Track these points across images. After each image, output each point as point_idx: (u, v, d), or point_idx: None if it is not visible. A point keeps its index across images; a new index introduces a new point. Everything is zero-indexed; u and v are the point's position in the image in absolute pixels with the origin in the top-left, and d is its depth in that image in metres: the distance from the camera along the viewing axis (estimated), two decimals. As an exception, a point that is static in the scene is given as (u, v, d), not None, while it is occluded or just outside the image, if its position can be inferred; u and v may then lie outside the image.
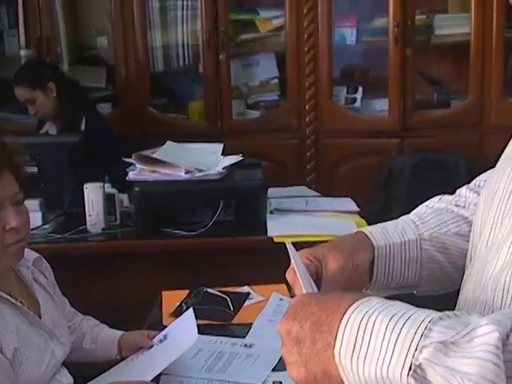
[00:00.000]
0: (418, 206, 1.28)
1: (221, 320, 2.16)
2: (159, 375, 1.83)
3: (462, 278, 1.08)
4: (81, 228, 2.80)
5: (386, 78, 3.96)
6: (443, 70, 4.26)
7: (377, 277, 1.14)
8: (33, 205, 2.66)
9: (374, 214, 3.63)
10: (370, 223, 2.79)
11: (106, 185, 2.83)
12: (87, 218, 2.78)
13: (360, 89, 4.10)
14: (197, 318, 1.96)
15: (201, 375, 1.85)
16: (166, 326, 2.07)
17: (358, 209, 2.96)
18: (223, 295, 2.28)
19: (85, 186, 2.76)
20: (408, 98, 3.95)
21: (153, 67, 4.13)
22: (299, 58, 3.95)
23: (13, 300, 1.77)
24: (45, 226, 2.79)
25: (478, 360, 0.70)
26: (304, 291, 0.95)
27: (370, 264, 1.13)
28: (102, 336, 2.08)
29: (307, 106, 3.99)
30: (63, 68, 4.08)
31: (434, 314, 0.77)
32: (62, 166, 2.87)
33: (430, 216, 1.19)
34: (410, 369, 0.73)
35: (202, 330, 1.92)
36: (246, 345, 2.01)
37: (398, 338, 0.75)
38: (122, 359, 2.02)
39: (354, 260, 1.10)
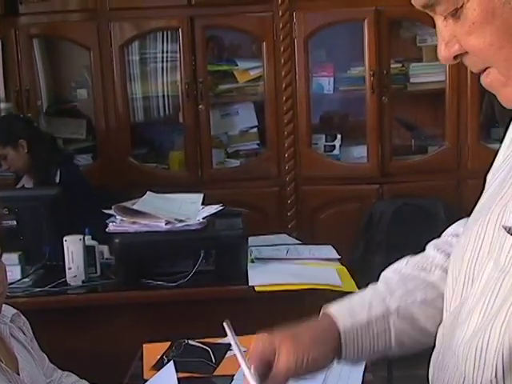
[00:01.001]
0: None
1: (203, 372, 2.14)
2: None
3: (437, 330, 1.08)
4: (61, 281, 2.77)
5: (364, 124, 4.02)
6: (420, 116, 4.32)
7: (346, 356, 1.13)
8: (11, 259, 2.64)
9: (355, 260, 3.65)
10: (350, 269, 2.80)
11: (86, 237, 2.82)
12: (67, 270, 2.76)
13: (338, 136, 4.14)
14: (178, 370, 1.95)
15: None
16: (146, 380, 2.05)
17: (338, 256, 2.97)
18: (205, 347, 2.27)
19: (64, 239, 2.75)
20: (386, 145, 4.00)
21: (133, 118, 4.16)
22: (278, 107, 4.00)
23: None
24: (24, 280, 2.77)
25: None
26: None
27: (332, 350, 1.11)
28: None
29: (286, 154, 4.02)
30: (42, 120, 4.10)
31: None
32: (41, 218, 2.85)
33: (396, 285, 1.18)
34: None
35: (183, 383, 1.90)
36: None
37: None
38: None
39: (310, 354, 1.08)
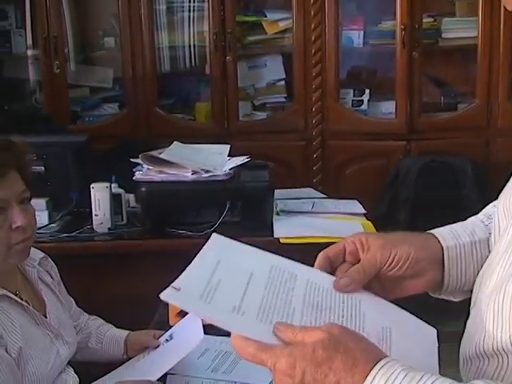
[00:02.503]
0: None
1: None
2: (165, 375, 1.83)
3: None
4: (87, 227, 2.80)
5: (393, 80, 3.96)
6: (450, 72, 4.25)
7: (449, 280, 1.08)
8: (39, 204, 2.66)
9: (380, 216, 3.63)
10: (376, 225, 2.79)
11: (113, 185, 2.83)
12: (93, 217, 2.78)
13: (367, 91, 4.10)
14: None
15: (207, 375, 1.85)
16: (171, 326, 2.07)
17: (364, 211, 2.96)
18: (229, 296, 2.28)
19: (91, 186, 2.76)
20: (415, 101, 3.95)
21: (159, 68, 4.13)
22: (306, 60, 3.95)
23: (18, 299, 1.77)
24: (51, 225, 2.79)
25: None
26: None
27: (433, 262, 1.06)
28: (108, 336, 2.08)
29: (314, 108, 3.99)
30: (69, 68, 4.09)
31: None
32: (69, 165, 2.86)
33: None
34: None
35: (208, 330, 1.91)
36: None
37: None
38: (129, 359, 2.02)
39: (398, 252, 1.04)
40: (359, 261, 1.05)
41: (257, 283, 0.97)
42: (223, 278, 0.96)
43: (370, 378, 0.79)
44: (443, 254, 1.07)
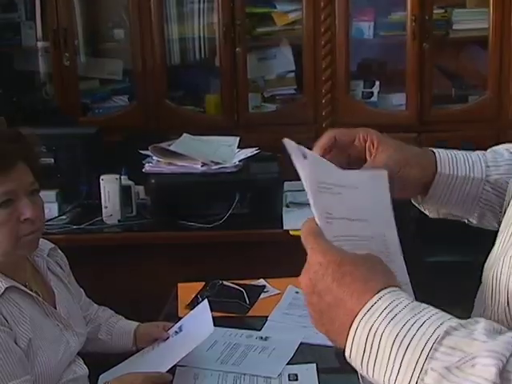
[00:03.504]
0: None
1: (236, 312, 2.16)
2: (175, 367, 1.83)
3: None
4: (97, 219, 2.81)
5: (403, 72, 3.94)
6: (461, 64, 4.22)
7: (435, 190, 1.10)
8: (49, 196, 2.67)
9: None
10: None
11: (123, 177, 2.83)
12: (103, 209, 2.78)
13: (377, 83, 4.08)
14: (212, 310, 1.96)
15: (216, 367, 1.86)
16: (181, 318, 2.07)
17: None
18: (239, 288, 2.28)
19: (101, 178, 2.77)
20: (425, 93, 3.92)
21: (169, 60, 4.13)
22: (316, 52, 3.93)
23: (28, 290, 1.78)
24: (61, 217, 2.80)
25: None
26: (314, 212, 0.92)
27: (426, 169, 1.09)
28: (118, 327, 2.09)
29: (324, 100, 3.97)
30: (79, 60, 4.09)
31: (442, 326, 0.76)
32: (79, 157, 2.87)
33: (504, 162, 1.14)
34: None
35: (217, 322, 1.92)
36: (261, 337, 2.01)
37: (404, 355, 0.75)
38: (138, 351, 2.03)
39: (403, 174, 1.06)
40: (362, 157, 1.07)
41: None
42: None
43: (374, 299, 0.80)
44: (436, 168, 1.09)
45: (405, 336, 0.76)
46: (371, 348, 0.77)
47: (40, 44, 4.13)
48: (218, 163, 2.72)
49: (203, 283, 2.34)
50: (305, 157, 0.89)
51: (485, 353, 0.73)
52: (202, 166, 2.70)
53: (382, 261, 0.87)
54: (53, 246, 1.98)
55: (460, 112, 3.99)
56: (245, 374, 1.81)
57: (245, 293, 2.25)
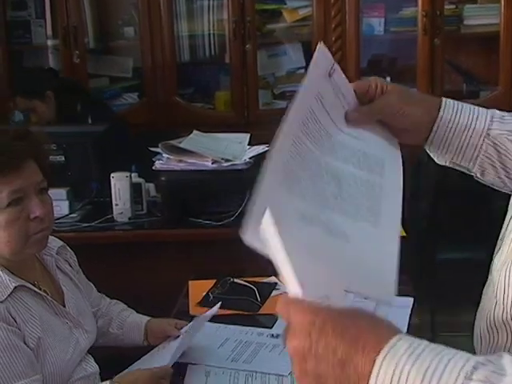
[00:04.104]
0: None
1: (247, 310, 2.15)
2: (186, 365, 1.83)
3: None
4: (107, 217, 2.80)
5: (414, 68, 3.93)
6: (472, 60, 4.20)
7: (434, 136, 1.12)
8: (60, 194, 2.67)
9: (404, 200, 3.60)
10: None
11: (133, 174, 2.83)
12: (114, 207, 2.78)
13: (388, 79, 4.06)
14: (224, 307, 1.96)
15: (227, 365, 1.85)
16: (193, 316, 2.07)
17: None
18: (250, 285, 2.27)
19: (112, 176, 2.76)
20: (437, 89, 3.90)
21: (179, 57, 4.13)
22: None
23: (37, 289, 1.77)
24: (72, 215, 2.80)
25: None
26: None
27: (429, 112, 1.12)
28: (129, 321, 2.08)
29: (334, 97, 3.95)
30: (89, 58, 4.09)
31: (470, 362, 0.73)
32: (89, 155, 2.87)
33: (510, 120, 1.14)
34: None
35: (228, 320, 1.92)
36: (272, 335, 2.00)
37: None
38: (149, 345, 2.02)
39: (407, 112, 1.10)
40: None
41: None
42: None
43: (394, 340, 0.76)
44: (438, 112, 1.11)
45: (433, 374, 0.73)
46: None
47: (50, 42, 4.14)
48: (228, 160, 2.71)
49: (214, 281, 2.33)
50: None
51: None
52: (212, 163, 2.69)
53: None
54: (62, 244, 1.98)
55: (471, 108, 3.96)
56: (256, 372, 1.80)
57: (256, 290, 2.24)
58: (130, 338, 2.05)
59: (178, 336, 1.96)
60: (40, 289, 1.79)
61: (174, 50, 4.05)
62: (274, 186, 0.90)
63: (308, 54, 4.05)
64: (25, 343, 1.68)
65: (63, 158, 2.80)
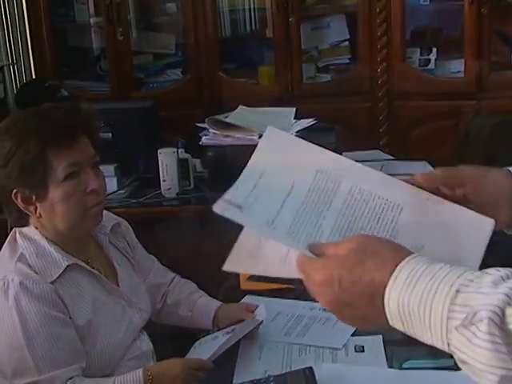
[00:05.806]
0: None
1: (298, 284, 2.14)
2: (239, 340, 1.82)
3: None
4: (155, 193, 2.81)
5: (460, 38, 3.85)
6: (520, 29, 4.10)
7: None
8: (108, 170, 2.68)
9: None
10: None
11: (180, 150, 2.83)
12: (161, 183, 2.79)
13: (434, 50, 3.99)
14: (275, 281, 1.95)
15: (280, 339, 1.85)
16: (244, 291, 2.07)
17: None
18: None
19: (159, 152, 2.77)
20: (484, 59, 3.82)
21: (220, 32, 4.10)
22: (370, 20, 3.86)
23: (90, 268, 1.77)
24: (120, 191, 2.82)
25: None
26: None
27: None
28: (198, 305, 2.03)
29: (379, 69, 3.90)
30: (132, 34, 4.09)
31: (453, 286, 0.81)
32: (136, 131, 2.88)
33: None
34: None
35: (279, 294, 1.91)
36: (324, 309, 1.97)
37: (430, 319, 0.82)
38: (218, 330, 1.97)
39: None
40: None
41: (296, 196, 1.04)
42: (263, 192, 1.04)
43: (396, 273, 0.86)
44: None
45: (427, 297, 0.82)
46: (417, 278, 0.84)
47: (93, 20, 4.14)
48: (275, 134, 2.69)
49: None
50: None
51: (481, 306, 0.77)
52: (259, 137, 2.66)
53: None
54: (116, 221, 1.97)
55: (520, 78, 3.88)
56: (309, 346, 1.80)
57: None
58: (198, 322, 2.00)
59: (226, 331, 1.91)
60: (93, 268, 1.79)
61: (217, 25, 4.03)
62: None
63: (352, 26, 4.00)
64: (72, 322, 1.67)
65: (110, 135, 2.81)
